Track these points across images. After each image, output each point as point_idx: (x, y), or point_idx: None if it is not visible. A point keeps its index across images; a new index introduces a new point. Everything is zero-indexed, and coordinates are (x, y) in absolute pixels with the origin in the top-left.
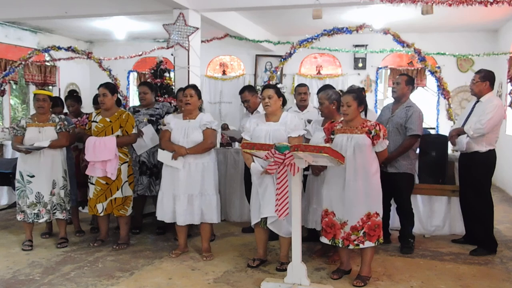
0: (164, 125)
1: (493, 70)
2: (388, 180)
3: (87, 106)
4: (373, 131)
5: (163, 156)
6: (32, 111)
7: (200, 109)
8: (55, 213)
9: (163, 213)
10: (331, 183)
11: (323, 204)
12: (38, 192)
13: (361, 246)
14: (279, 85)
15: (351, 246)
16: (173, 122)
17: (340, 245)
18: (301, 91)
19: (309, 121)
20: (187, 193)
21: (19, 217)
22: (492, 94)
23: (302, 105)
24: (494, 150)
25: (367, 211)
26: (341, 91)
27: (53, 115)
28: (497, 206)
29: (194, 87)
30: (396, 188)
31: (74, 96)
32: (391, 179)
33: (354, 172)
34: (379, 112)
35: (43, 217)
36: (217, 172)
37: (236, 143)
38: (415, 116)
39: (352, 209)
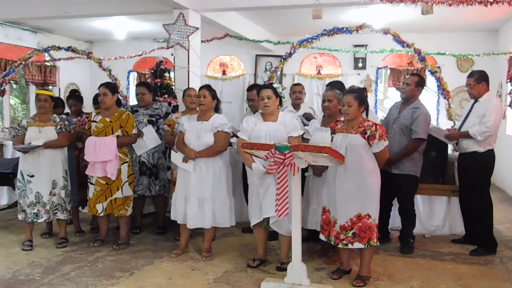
0: (169, 125)
1: (493, 70)
2: (391, 181)
3: (87, 106)
4: (368, 132)
5: (175, 158)
6: (32, 111)
7: (217, 110)
8: (56, 213)
9: (176, 213)
10: (328, 181)
11: (323, 201)
12: (38, 192)
13: (350, 246)
14: (274, 85)
15: (340, 245)
16: (187, 123)
17: (332, 243)
18: (296, 90)
19: (305, 117)
20: (197, 196)
21: (20, 216)
22: (489, 94)
23: (297, 104)
24: (492, 150)
25: (357, 212)
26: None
27: (54, 115)
28: (497, 206)
29: (208, 87)
30: (399, 190)
31: (76, 95)
32: (394, 180)
33: (345, 172)
34: (379, 112)
35: (42, 217)
36: (231, 175)
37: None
38: (421, 119)
39: (341, 208)
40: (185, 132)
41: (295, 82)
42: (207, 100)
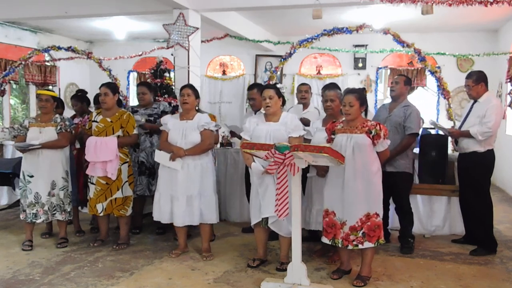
0: (161, 125)
1: (493, 70)
2: (386, 179)
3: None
4: (373, 131)
5: (160, 157)
6: (32, 111)
7: (198, 109)
8: (54, 214)
9: (160, 214)
10: (332, 183)
11: (324, 204)
12: (37, 193)
13: (360, 246)
14: (278, 85)
15: (350, 247)
16: (170, 122)
17: (340, 245)
18: (302, 89)
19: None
20: (185, 194)
21: (22, 216)
22: (489, 94)
23: (303, 104)
24: (492, 150)
25: (366, 212)
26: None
27: (56, 115)
28: (497, 206)
29: (191, 86)
30: (395, 187)
31: (78, 95)
32: (389, 178)
33: (354, 172)
34: None
35: (40, 218)
36: (215, 172)
37: (237, 143)
38: (413, 115)
39: (351, 209)
40: (168, 131)
41: (295, 82)
42: (191, 99)
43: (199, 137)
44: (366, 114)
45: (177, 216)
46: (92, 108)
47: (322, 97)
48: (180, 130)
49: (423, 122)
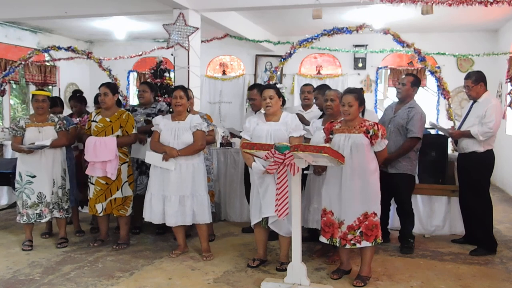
0: (153, 126)
1: (493, 70)
2: (388, 181)
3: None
4: (371, 131)
5: (152, 157)
6: (32, 111)
7: (188, 110)
8: (52, 211)
9: (151, 214)
10: (329, 182)
11: (322, 203)
12: (40, 192)
13: (357, 245)
14: (277, 85)
15: (347, 246)
16: (162, 123)
17: (338, 244)
18: (305, 90)
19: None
20: (178, 194)
21: (18, 218)
22: (488, 94)
23: (306, 104)
24: (492, 150)
25: (364, 211)
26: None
27: (51, 115)
28: (497, 206)
29: (183, 88)
30: (396, 189)
31: (77, 96)
32: (391, 179)
33: (351, 171)
34: (379, 112)
35: (45, 217)
36: (206, 173)
37: (237, 143)
38: (416, 118)
39: (349, 208)
40: (160, 132)
41: (295, 82)
42: (183, 101)
43: (191, 137)
44: (363, 114)
45: (170, 216)
46: (88, 108)
47: (315, 99)
48: (172, 131)
49: None
